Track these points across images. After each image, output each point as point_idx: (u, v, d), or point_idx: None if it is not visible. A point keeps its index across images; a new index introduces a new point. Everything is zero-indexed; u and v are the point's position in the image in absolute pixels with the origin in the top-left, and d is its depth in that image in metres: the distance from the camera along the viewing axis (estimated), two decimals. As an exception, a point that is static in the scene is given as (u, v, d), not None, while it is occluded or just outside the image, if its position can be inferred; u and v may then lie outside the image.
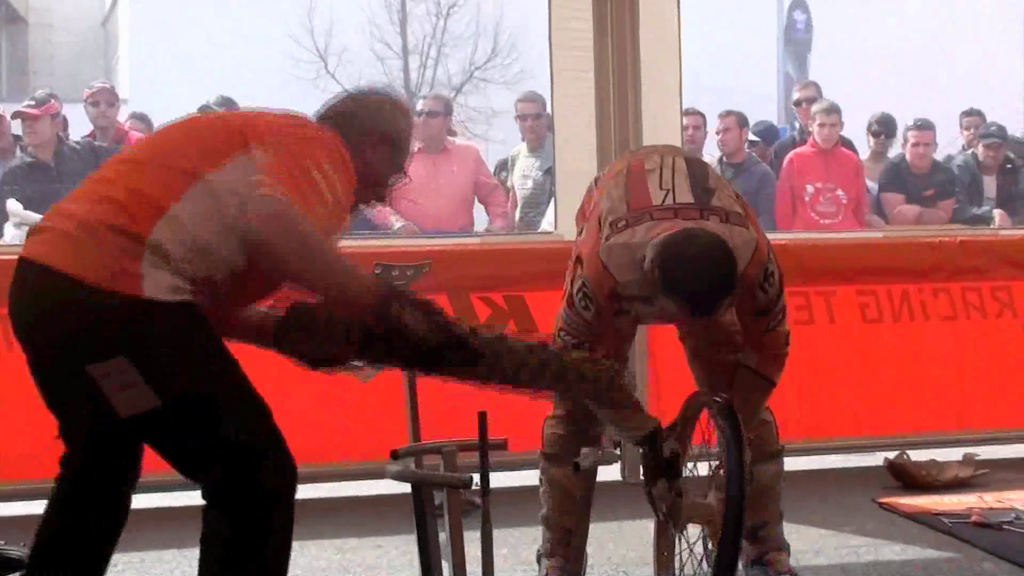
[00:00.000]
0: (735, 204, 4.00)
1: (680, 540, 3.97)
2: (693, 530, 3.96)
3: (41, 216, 3.29)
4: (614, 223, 3.92)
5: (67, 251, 3.01)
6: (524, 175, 8.29)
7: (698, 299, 3.69)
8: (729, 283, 3.70)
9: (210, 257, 3.07)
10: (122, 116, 8.73)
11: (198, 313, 3.09)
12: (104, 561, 3.30)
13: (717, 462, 3.93)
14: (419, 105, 8.45)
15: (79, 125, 8.58)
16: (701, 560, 3.94)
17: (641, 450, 3.88)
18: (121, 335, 2.99)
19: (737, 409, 3.83)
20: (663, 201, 3.93)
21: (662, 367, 6.11)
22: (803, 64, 21.47)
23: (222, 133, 3.23)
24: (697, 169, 4.10)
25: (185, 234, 3.03)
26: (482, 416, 3.58)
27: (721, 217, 3.89)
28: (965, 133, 9.31)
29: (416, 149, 7.96)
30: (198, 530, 3.16)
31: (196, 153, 3.15)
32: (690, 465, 4.01)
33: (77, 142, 7.88)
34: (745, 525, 4.08)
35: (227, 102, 8.91)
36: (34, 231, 3.16)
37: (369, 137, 3.55)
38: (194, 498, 3.21)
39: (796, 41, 21.55)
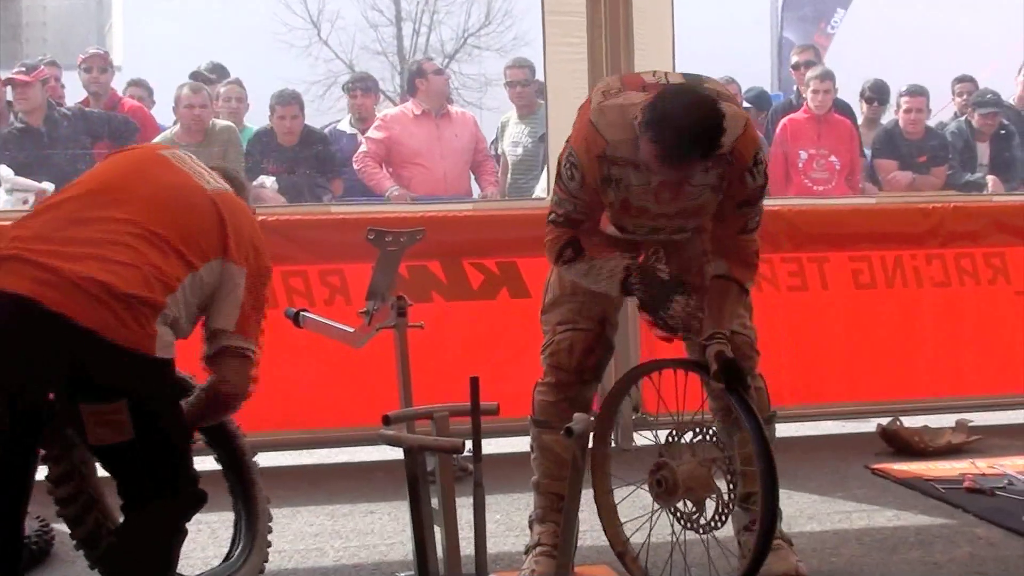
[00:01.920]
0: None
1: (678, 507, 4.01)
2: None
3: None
4: (607, 92, 3.97)
5: (86, 306, 3.25)
6: (514, 142, 8.30)
7: (673, 141, 3.66)
8: (709, 138, 3.69)
9: (189, 326, 3.60)
10: (116, 82, 8.71)
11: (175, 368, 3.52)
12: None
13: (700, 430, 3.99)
14: (423, 65, 8.43)
15: (72, 91, 8.57)
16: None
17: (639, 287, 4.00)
18: (125, 383, 3.31)
19: (713, 316, 3.97)
20: (655, 79, 4.00)
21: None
22: (824, 22, 21.31)
23: (213, 229, 3.60)
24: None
25: (181, 308, 3.47)
26: (474, 381, 3.57)
27: (712, 94, 3.90)
28: (957, 100, 9.28)
29: (420, 112, 8.00)
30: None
31: (195, 245, 3.53)
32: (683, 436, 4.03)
33: (68, 108, 7.87)
34: (740, 494, 4.12)
35: (218, 69, 8.90)
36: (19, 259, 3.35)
37: None
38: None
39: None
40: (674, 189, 3.93)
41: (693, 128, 3.67)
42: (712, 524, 3.97)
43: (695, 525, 3.99)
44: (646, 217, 4.02)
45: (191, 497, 3.53)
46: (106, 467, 3.51)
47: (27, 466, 3.48)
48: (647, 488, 4.03)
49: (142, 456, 3.38)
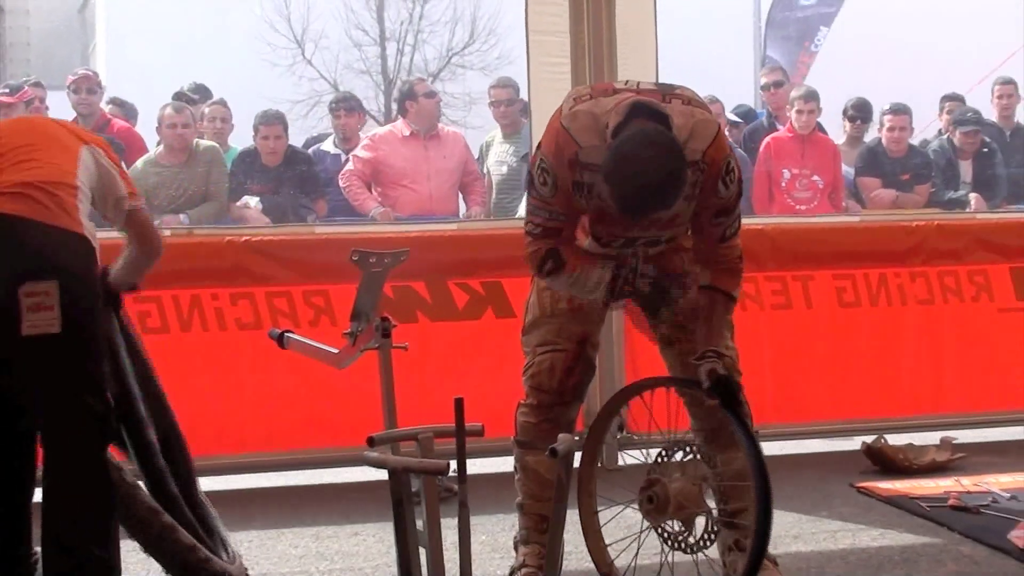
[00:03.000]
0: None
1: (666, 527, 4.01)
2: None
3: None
4: (578, 98, 3.93)
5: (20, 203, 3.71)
6: (499, 161, 8.31)
7: (634, 198, 3.65)
8: (672, 189, 3.67)
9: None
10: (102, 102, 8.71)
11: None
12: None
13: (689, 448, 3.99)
14: (415, 87, 8.41)
15: (57, 112, 8.55)
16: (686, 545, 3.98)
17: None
18: (56, 262, 3.68)
19: (703, 334, 4.00)
20: (625, 87, 3.97)
21: (640, 347, 6.10)
22: (808, 41, 21.36)
23: (63, 131, 4.11)
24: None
25: (86, 192, 3.92)
26: (459, 402, 3.57)
27: (683, 100, 3.88)
28: (945, 117, 9.31)
29: (408, 133, 8.00)
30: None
31: (65, 141, 4.03)
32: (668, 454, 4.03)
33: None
34: (724, 514, 4.12)
35: (201, 89, 8.89)
36: None
37: None
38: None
39: (798, 20, 21.46)
40: None
41: (653, 183, 3.63)
42: (700, 543, 3.97)
43: (684, 545, 3.99)
44: (619, 227, 3.96)
45: (106, 428, 3.80)
46: (30, 375, 3.69)
47: None
48: (636, 507, 4.03)
49: (67, 356, 3.67)
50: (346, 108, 8.74)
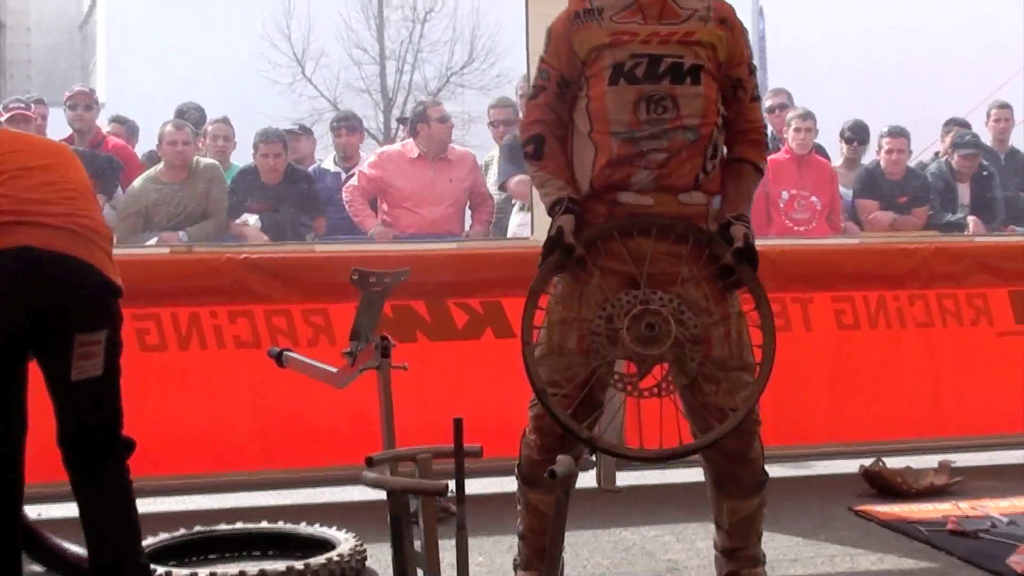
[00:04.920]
0: None
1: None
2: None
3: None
4: None
5: (73, 244, 3.81)
6: (498, 180, 8.30)
7: None
8: None
9: None
10: (100, 119, 8.73)
11: None
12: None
13: None
14: (428, 111, 8.37)
15: (56, 128, 8.58)
16: None
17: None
18: (108, 312, 3.88)
19: (731, 199, 4.07)
20: None
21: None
22: (763, 74, 21.51)
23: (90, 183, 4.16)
24: None
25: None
26: (458, 423, 3.56)
27: None
28: (947, 140, 9.33)
29: (416, 155, 7.99)
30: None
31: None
32: None
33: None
34: (725, 547, 4.11)
35: (197, 109, 8.90)
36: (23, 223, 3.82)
37: None
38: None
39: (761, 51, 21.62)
40: (659, 5, 4.04)
41: None
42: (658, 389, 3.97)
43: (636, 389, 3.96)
44: (636, 41, 4.01)
45: (129, 444, 3.96)
46: (64, 409, 3.87)
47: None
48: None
49: (101, 394, 3.88)
50: (347, 127, 8.76)
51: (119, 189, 7.97)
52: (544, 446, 4.13)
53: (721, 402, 3.99)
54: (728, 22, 4.08)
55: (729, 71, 4.09)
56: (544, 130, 4.14)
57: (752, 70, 4.16)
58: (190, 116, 8.64)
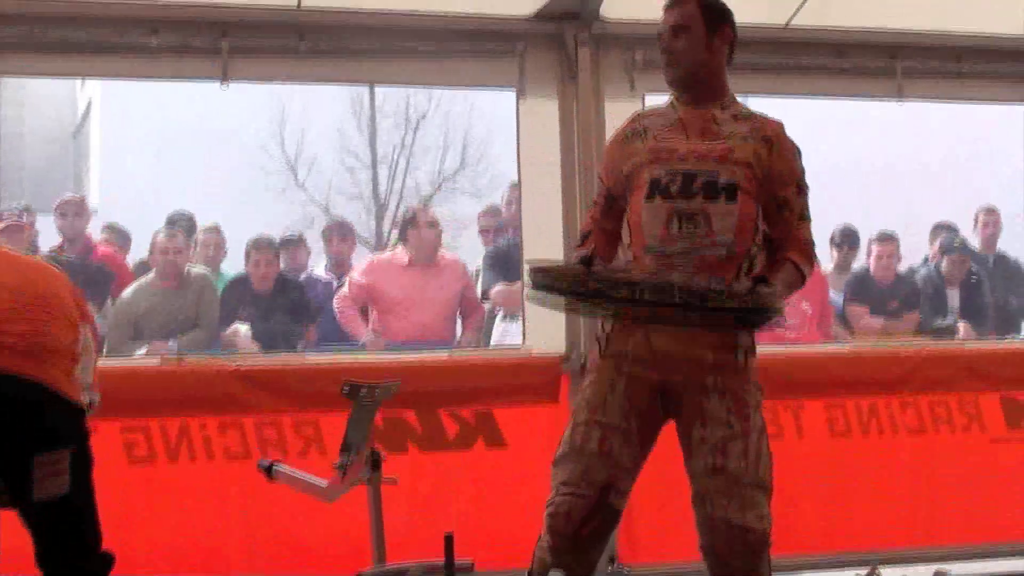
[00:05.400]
0: None
1: None
2: None
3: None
4: None
5: (29, 364, 3.82)
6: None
7: None
8: None
9: None
10: (92, 225, 8.75)
11: None
12: None
13: None
14: (417, 216, 8.42)
15: (45, 235, 8.60)
16: None
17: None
18: (70, 432, 3.88)
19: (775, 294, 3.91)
20: None
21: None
22: None
23: (74, 306, 4.16)
24: None
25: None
26: (448, 539, 3.55)
27: None
28: (936, 244, 9.37)
29: (407, 261, 8.02)
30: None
31: (72, 312, 4.12)
32: None
33: (42, 256, 7.87)
34: None
35: (187, 218, 8.92)
36: None
37: None
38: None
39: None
40: (701, 124, 4.17)
41: None
42: None
43: None
44: (674, 158, 4.11)
45: (107, 560, 3.97)
46: (36, 529, 3.89)
47: None
48: None
49: (73, 511, 3.88)
50: (339, 234, 8.79)
51: (109, 299, 7.97)
52: (556, 548, 4.06)
53: (732, 518, 3.97)
54: (772, 140, 4.17)
55: (773, 190, 4.14)
56: (593, 227, 4.34)
57: (801, 189, 4.21)
58: (181, 224, 8.67)
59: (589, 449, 4.05)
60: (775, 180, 4.13)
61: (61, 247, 8.19)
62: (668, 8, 4.25)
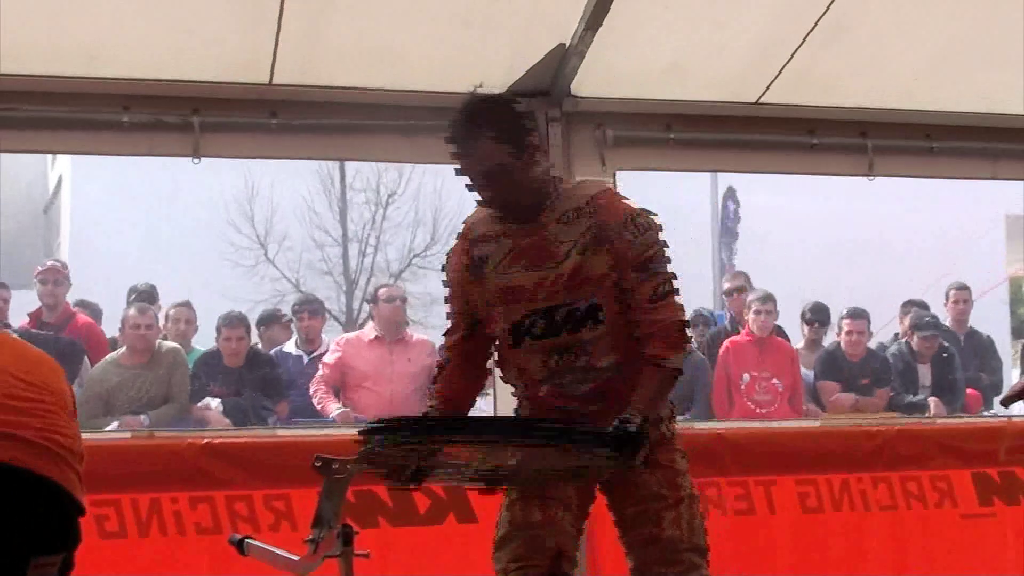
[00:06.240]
0: None
1: None
2: None
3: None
4: None
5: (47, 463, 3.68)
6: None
7: (454, 122, 3.80)
8: (492, 114, 3.82)
9: None
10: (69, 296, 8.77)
11: None
12: None
13: None
14: (377, 292, 8.49)
15: (20, 306, 8.59)
16: None
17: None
18: (70, 534, 3.75)
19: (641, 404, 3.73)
20: None
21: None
22: (730, 252, 21.84)
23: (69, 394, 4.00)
24: None
25: None
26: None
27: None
28: (906, 321, 9.44)
29: (373, 337, 8.03)
30: None
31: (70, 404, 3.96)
32: None
33: (14, 331, 7.85)
34: None
35: (149, 289, 8.92)
36: None
37: None
38: None
39: (728, 230, 21.96)
40: (537, 248, 3.89)
41: (468, 104, 3.83)
42: None
43: None
44: (525, 297, 3.91)
45: None
46: None
47: None
48: None
49: None
50: (310, 310, 8.81)
51: (83, 372, 7.95)
52: None
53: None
54: (604, 229, 3.86)
55: (620, 280, 3.88)
56: (452, 354, 4.14)
57: (645, 266, 3.88)
58: (143, 295, 8.69)
59: (532, 520, 4.01)
60: (620, 269, 3.87)
61: (39, 314, 8.18)
62: (461, 152, 3.83)
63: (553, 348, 3.95)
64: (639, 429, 3.63)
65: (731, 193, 21.66)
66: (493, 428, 3.78)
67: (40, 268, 8.51)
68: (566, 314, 3.90)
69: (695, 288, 15.40)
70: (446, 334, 4.17)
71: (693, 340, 9.06)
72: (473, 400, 4.19)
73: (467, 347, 4.13)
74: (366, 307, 17.10)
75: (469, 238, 4.03)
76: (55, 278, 8.39)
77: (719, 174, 19.80)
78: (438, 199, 22.08)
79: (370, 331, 8.20)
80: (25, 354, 4.06)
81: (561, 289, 3.89)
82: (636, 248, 3.87)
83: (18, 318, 8.39)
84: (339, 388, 8.06)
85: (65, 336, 8.14)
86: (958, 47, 6.18)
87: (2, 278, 8.89)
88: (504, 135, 3.79)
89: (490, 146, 3.77)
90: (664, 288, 3.90)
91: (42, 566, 3.66)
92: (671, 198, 19.83)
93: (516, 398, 4.20)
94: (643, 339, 3.89)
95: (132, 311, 7.95)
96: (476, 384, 4.18)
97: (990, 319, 10.67)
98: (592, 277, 3.87)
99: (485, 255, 3.97)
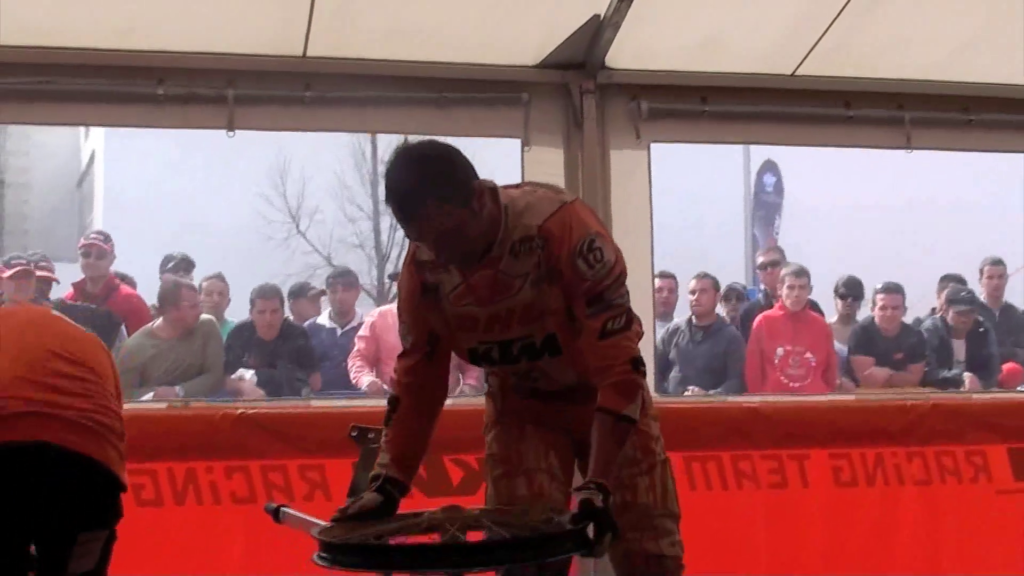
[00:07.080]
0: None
1: None
2: None
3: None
4: None
5: (89, 441, 3.84)
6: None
7: (394, 196, 3.55)
8: (427, 175, 3.52)
9: None
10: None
11: None
12: None
13: None
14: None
15: (63, 277, 8.65)
16: None
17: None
18: (114, 512, 3.98)
19: (587, 466, 3.62)
20: None
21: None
22: (770, 226, 21.75)
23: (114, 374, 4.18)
24: None
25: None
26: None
27: (536, 186, 3.84)
28: (942, 296, 9.39)
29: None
30: None
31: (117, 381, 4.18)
32: None
33: (50, 302, 7.91)
34: None
35: (186, 261, 8.97)
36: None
37: None
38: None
39: (766, 204, 21.85)
40: (489, 283, 3.69)
41: (399, 168, 3.59)
42: None
43: None
44: (479, 328, 3.76)
45: None
46: None
47: None
48: None
49: None
50: (344, 283, 8.82)
51: (118, 343, 8.00)
52: None
53: (648, 547, 3.98)
54: (559, 267, 3.64)
55: (571, 293, 3.67)
56: (402, 391, 3.96)
57: (597, 301, 3.63)
58: (181, 264, 8.75)
59: (519, 495, 3.99)
60: (571, 299, 3.66)
61: (83, 284, 8.23)
62: (406, 225, 3.60)
63: (512, 371, 3.94)
64: (604, 503, 3.48)
65: (770, 166, 21.57)
66: (460, 554, 3.53)
67: (83, 241, 8.56)
68: (522, 346, 3.79)
69: (725, 263, 15.38)
70: (401, 356, 3.96)
71: (726, 314, 9.05)
72: (430, 435, 4.03)
73: (427, 371, 3.94)
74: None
75: (418, 261, 3.83)
76: (98, 251, 8.43)
77: (752, 148, 19.75)
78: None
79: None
80: (69, 332, 4.14)
81: (515, 323, 3.74)
82: (589, 280, 3.64)
83: (56, 292, 8.43)
84: (375, 362, 8.06)
85: (104, 308, 8.18)
86: (995, 19, 6.13)
87: (42, 253, 8.93)
88: (446, 194, 3.53)
89: (434, 211, 3.51)
90: (615, 324, 3.66)
91: (88, 542, 3.81)
92: (703, 173, 19.86)
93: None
94: (594, 372, 3.69)
95: (206, 283, 8.10)
96: (433, 412, 4.01)
97: (1026, 294, 10.56)
98: (546, 312, 3.71)
99: (437, 282, 3.79)
